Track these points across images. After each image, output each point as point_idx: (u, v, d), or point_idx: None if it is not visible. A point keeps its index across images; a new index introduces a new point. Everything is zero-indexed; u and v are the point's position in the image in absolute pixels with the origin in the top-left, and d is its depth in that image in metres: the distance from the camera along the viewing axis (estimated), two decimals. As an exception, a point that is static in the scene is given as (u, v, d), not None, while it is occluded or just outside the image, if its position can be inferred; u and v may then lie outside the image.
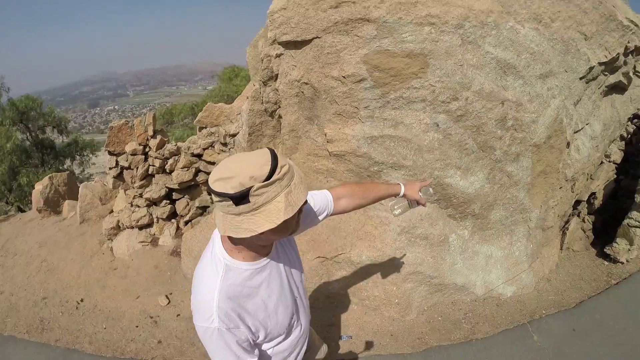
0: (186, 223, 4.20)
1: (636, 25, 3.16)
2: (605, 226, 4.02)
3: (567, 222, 3.88)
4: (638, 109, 3.99)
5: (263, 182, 0.85)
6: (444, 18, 2.47)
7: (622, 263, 3.58)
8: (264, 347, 1.21)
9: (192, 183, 4.12)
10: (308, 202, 1.23)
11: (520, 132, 2.83)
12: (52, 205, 5.13)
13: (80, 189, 4.63)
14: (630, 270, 3.53)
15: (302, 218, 1.07)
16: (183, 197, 4.19)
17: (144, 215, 4.08)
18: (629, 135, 4.11)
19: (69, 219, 4.83)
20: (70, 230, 4.52)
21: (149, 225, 4.18)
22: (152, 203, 4.17)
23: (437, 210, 3.08)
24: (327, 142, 2.95)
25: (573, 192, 3.60)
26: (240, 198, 0.85)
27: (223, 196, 0.86)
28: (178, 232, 4.15)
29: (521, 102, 2.75)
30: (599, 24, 2.96)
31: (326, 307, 3.15)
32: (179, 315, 3.36)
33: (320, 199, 1.33)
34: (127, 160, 4.08)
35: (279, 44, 2.87)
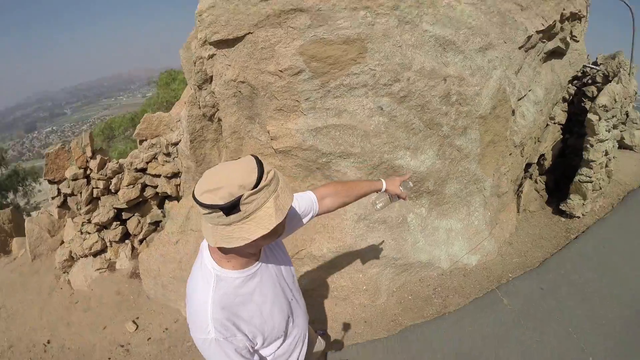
0: (141, 242, 4.01)
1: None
2: (558, 184, 4.21)
3: (520, 185, 4.02)
4: (577, 72, 4.17)
5: (252, 189, 0.86)
6: (379, 1, 2.43)
7: (579, 217, 3.76)
8: (264, 352, 1.21)
9: (141, 200, 3.93)
10: (292, 205, 1.24)
11: (465, 105, 2.86)
12: (0, 246, 4.74)
13: (26, 224, 4.30)
14: (587, 223, 3.70)
15: (287, 221, 1.08)
16: (133, 215, 3.99)
17: (96, 241, 3.86)
18: (571, 97, 4.30)
19: (20, 258, 4.53)
20: (23, 270, 4.25)
21: (103, 250, 3.97)
22: (103, 227, 3.95)
23: (391, 193, 3.09)
24: (271, 139, 2.87)
25: (523, 156, 3.72)
26: (231, 208, 0.86)
27: (213, 208, 0.86)
28: (134, 253, 3.97)
29: (463, 76, 2.77)
30: (534, -6, 3.01)
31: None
32: (149, 339, 3.25)
33: (304, 201, 1.36)
34: (69, 187, 3.81)
35: (210, 44, 2.74)
